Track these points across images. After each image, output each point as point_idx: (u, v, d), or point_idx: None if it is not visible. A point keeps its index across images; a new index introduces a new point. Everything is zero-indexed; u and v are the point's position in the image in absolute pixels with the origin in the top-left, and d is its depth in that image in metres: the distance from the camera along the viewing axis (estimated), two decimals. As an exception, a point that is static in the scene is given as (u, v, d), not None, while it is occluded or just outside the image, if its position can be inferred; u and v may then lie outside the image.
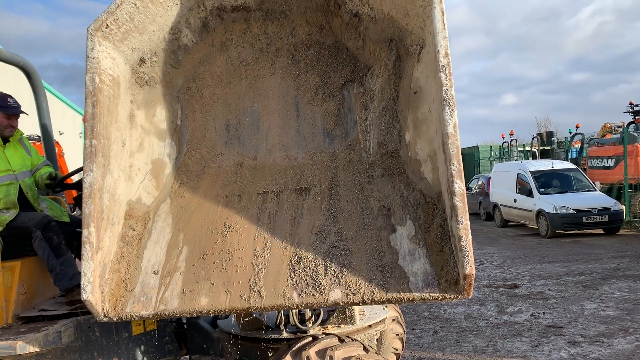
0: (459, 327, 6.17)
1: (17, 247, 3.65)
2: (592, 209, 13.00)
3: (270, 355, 3.40)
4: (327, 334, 3.09)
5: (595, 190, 14.42)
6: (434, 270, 2.51)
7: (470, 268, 2.28)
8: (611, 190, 15.31)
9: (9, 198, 3.63)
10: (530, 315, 6.50)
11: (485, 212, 18.47)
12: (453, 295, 2.39)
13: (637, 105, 17.98)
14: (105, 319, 2.55)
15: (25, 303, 3.55)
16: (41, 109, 4.32)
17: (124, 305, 2.58)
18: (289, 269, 2.63)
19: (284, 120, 3.31)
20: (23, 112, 3.71)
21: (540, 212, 13.53)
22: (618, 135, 17.20)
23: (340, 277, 2.56)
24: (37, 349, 3.10)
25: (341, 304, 2.49)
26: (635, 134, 16.02)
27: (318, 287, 2.53)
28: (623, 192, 14.96)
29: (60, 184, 3.89)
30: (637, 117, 17.64)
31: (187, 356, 3.82)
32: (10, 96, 3.66)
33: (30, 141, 4.05)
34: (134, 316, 2.56)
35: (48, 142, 4.40)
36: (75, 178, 4.30)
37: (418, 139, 3.07)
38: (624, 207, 14.13)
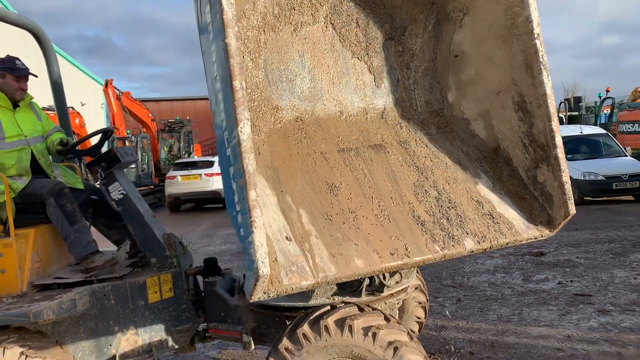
0: (483, 295, 6.03)
1: (30, 215, 3.59)
2: (622, 174, 12.58)
3: (287, 323, 3.30)
4: (346, 303, 2.97)
5: (626, 155, 13.94)
6: (525, 215, 2.90)
7: (573, 208, 2.83)
8: (642, 155, 14.81)
9: (21, 164, 3.55)
10: (558, 283, 6.31)
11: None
12: (547, 233, 2.89)
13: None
14: (263, 297, 2.31)
15: (40, 271, 3.50)
16: (52, 72, 4.21)
17: (279, 278, 2.35)
18: (417, 224, 2.70)
19: (334, 72, 3.21)
20: (32, 74, 3.60)
21: (567, 179, 13.15)
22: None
23: (463, 227, 2.75)
24: (52, 317, 3.06)
25: (474, 251, 2.70)
26: None
27: (452, 237, 2.69)
28: (655, 157, 14.46)
29: (72, 150, 3.79)
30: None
31: (205, 324, 3.75)
32: (17, 58, 3.55)
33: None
34: (294, 288, 2.35)
35: (61, 107, 4.30)
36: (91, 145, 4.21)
37: (463, 99, 3.40)
38: (655, 172, 13.65)
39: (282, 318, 3.34)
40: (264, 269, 2.17)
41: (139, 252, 3.92)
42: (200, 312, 3.79)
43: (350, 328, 2.75)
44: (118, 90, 20.28)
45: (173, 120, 25.03)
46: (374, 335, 2.73)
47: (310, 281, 2.36)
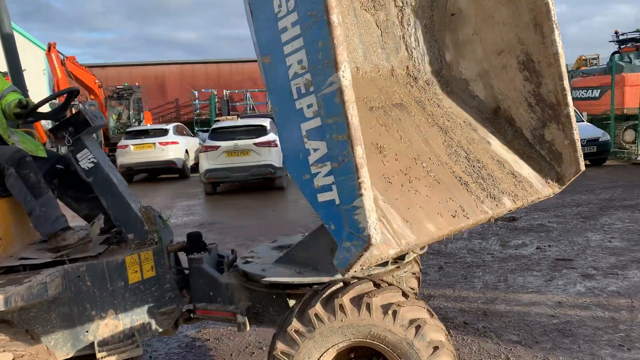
0: (464, 262, 5.93)
1: (-14, 187, 3.13)
2: (580, 139, 12.79)
3: (288, 302, 3.03)
4: (358, 278, 2.71)
5: (583, 121, 14.22)
6: (538, 173, 2.92)
7: (583, 165, 2.98)
8: (595, 121, 15.13)
9: (-29, 129, 3.07)
10: (536, 248, 6.29)
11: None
12: (557, 190, 2.95)
13: (622, 34, 17.61)
14: (357, 270, 2.12)
15: (2, 251, 3.07)
16: (3, 25, 3.66)
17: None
18: (461, 185, 2.62)
19: (345, 24, 2.94)
20: None
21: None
22: (604, 65, 16.91)
23: (497, 187, 2.71)
24: (20, 303, 2.67)
25: (511, 210, 2.69)
26: (621, 63, 15.73)
27: (494, 197, 2.65)
28: (607, 123, 14.81)
29: (33, 113, 3.32)
30: (622, 47, 17.31)
31: (191, 304, 3.43)
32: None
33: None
34: (383, 258, 2.17)
35: (13, 63, 3.77)
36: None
37: (461, 59, 3.37)
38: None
39: (281, 296, 3.06)
40: (377, 236, 1.94)
41: (112, 227, 3.53)
42: (185, 292, 3.46)
43: (368, 306, 2.49)
44: (62, 54, 19.04)
45: (121, 87, 23.87)
46: (394, 313, 2.49)
47: (395, 249, 2.18)
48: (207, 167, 12.37)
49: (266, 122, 13.28)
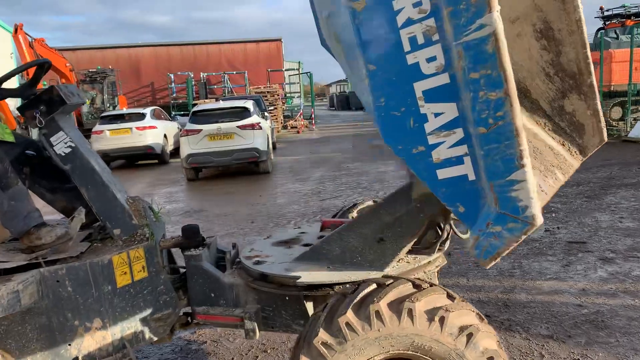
0: (473, 247, 5.58)
1: (-58, 179, 2.63)
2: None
3: (305, 305, 2.61)
4: (391, 278, 2.31)
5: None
6: (561, 146, 2.63)
7: (606, 135, 2.58)
8: (582, 99, 14.92)
9: None
10: (545, 230, 5.98)
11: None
12: (581, 161, 2.64)
13: (607, 10, 17.37)
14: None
15: (-36, 255, 2.58)
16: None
17: None
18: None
19: None
20: None
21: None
22: (590, 42, 16.66)
23: (546, 159, 2.50)
24: (-13, 318, 2.21)
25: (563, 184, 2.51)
26: (608, 39, 15.52)
27: (548, 170, 2.50)
28: (594, 100, 14.60)
29: (-3, 89, 2.82)
30: (607, 23, 17.08)
31: (189, 307, 3.00)
32: None
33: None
34: (517, 241, 1.72)
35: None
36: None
37: None
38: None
39: (296, 298, 2.64)
40: (540, 216, 1.60)
41: (95, 221, 3.07)
42: (182, 293, 3.02)
43: (411, 312, 2.09)
44: (30, 36, 18.08)
45: (94, 70, 22.96)
46: (442, 320, 2.09)
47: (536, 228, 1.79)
48: (188, 152, 11.82)
49: (249, 104, 12.75)
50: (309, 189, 9.92)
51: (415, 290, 2.18)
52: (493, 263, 1.73)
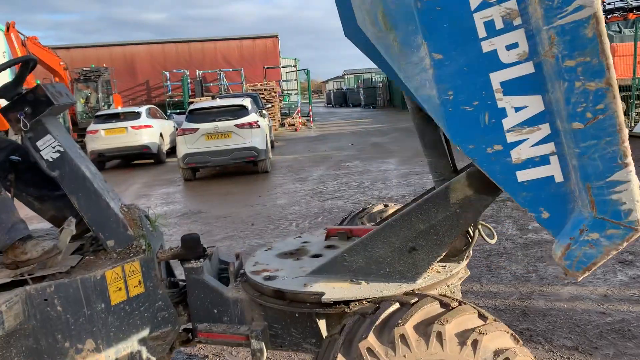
0: (483, 250, 5.36)
1: None
2: (574, 113, 12.37)
3: (317, 323, 2.38)
4: (415, 295, 2.08)
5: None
6: None
7: None
8: (584, 94, 14.73)
9: None
10: (557, 231, 5.75)
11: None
12: None
13: (609, 4, 17.19)
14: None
15: (-60, 273, 2.35)
16: None
17: None
18: None
19: None
20: None
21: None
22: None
23: None
24: (-34, 345, 1.97)
25: None
26: (611, 33, 15.31)
27: None
28: (596, 95, 14.40)
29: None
30: (609, 16, 16.88)
31: (190, 324, 2.77)
32: None
33: None
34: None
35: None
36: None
37: None
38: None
39: (307, 316, 2.41)
40: None
41: (86, 231, 2.84)
42: (182, 309, 2.79)
43: (440, 336, 1.86)
44: (22, 34, 17.78)
45: (88, 69, 22.63)
46: (475, 344, 1.87)
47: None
48: (185, 152, 11.57)
49: (247, 102, 12.50)
50: (309, 188, 9.68)
51: (443, 309, 1.96)
52: (586, 275, 1.56)
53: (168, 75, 28.36)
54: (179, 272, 3.12)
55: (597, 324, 3.63)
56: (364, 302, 2.22)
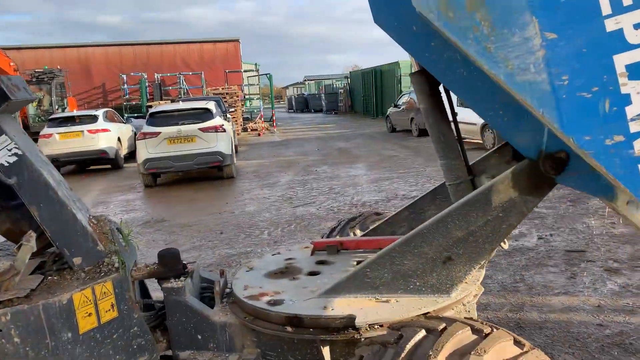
0: (466, 258, 5.18)
1: None
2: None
3: (322, 350, 2.10)
4: (441, 319, 1.83)
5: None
6: None
7: None
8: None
9: None
10: (538, 238, 5.65)
11: (418, 128, 17.76)
12: None
13: None
14: None
15: None
16: None
17: None
18: None
19: None
20: None
21: (485, 125, 12.88)
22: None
23: None
24: None
25: None
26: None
27: None
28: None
29: None
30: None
31: (170, 351, 2.44)
32: None
33: None
34: None
35: None
36: None
37: None
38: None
39: (308, 342, 2.13)
40: None
41: (48, 246, 2.48)
42: (160, 334, 2.47)
43: (478, 368, 1.62)
44: (-32, 32, 16.80)
45: (41, 70, 21.66)
46: (515, 376, 1.63)
47: None
48: (146, 157, 11.06)
49: (211, 105, 12.08)
50: (278, 195, 9.37)
51: (476, 336, 1.71)
52: None
53: (125, 78, 27.51)
54: (153, 288, 2.79)
55: (597, 337, 3.47)
56: (375, 327, 1.96)
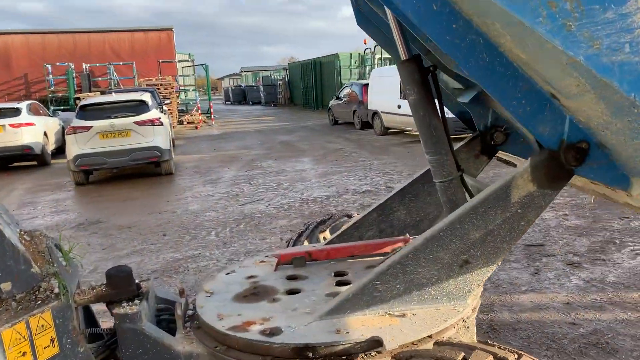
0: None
1: None
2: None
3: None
4: (455, 346, 1.58)
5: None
6: None
7: None
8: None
9: None
10: (496, 233, 5.58)
11: (360, 120, 17.69)
12: None
13: None
14: None
15: None
16: None
17: None
18: None
19: None
20: None
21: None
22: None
23: None
24: None
25: None
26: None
27: None
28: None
29: None
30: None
31: (123, 388, 2.07)
32: None
33: None
34: None
35: None
36: None
37: None
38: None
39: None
40: None
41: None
42: (112, 370, 2.09)
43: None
44: None
45: (-46, 59, 19.89)
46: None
47: None
48: (77, 152, 10.29)
49: (147, 97, 11.42)
50: (223, 192, 8.94)
51: (500, 367, 1.47)
52: None
53: (50, 68, 25.84)
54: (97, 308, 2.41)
55: (572, 337, 3.37)
56: (373, 355, 1.69)
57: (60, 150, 14.61)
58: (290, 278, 2.35)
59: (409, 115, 11.98)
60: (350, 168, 10.29)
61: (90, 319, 2.29)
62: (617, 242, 5.03)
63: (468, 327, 2.04)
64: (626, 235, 5.20)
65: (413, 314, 1.84)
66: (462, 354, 1.51)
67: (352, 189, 8.28)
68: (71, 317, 1.94)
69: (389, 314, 1.86)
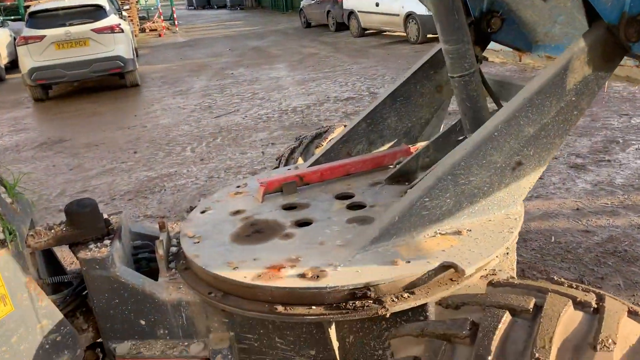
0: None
1: None
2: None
3: (328, 331, 1.49)
4: (524, 288, 1.25)
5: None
6: None
7: None
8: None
9: None
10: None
11: (335, 22, 16.73)
12: None
13: None
14: None
15: None
16: None
17: None
18: None
19: None
20: None
21: (409, 16, 12.16)
22: None
23: None
24: None
25: None
26: None
27: None
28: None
29: None
30: None
31: (100, 340, 1.75)
32: None
33: None
34: None
35: None
36: None
37: None
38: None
39: (310, 326, 1.50)
40: None
41: None
42: (82, 320, 1.75)
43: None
44: None
45: None
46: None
47: None
48: (32, 65, 9.45)
49: (103, 1, 10.40)
50: (194, 103, 8.36)
51: (584, 313, 1.15)
52: None
53: (-7, -26, 23.63)
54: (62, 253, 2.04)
55: (587, 246, 3.15)
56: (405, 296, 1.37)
57: (14, 65, 13.54)
58: (288, 208, 1.96)
59: (389, 14, 11.25)
60: (329, 74, 9.72)
61: (54, 264, 1.90)
62: (620, 141, 4.77)
63: (508, 253, 1.73)
64: (628, 133, 4.94)
65: (468, 230, 1.59)
66: (533, 300, 1.19)
67: (334, 97, 7.79)
68: (25, 266, 1.56)
69: (440, 233, 1.59)
